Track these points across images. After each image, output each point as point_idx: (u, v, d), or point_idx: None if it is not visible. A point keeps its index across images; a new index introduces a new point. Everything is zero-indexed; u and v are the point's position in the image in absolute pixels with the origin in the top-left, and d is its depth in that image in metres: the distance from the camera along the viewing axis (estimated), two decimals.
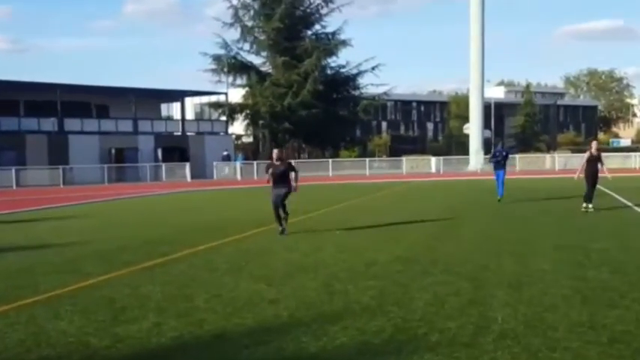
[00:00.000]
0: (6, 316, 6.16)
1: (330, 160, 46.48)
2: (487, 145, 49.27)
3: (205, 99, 58.45)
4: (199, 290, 7.11)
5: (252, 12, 56.50)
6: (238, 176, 41.44)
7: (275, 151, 12.09)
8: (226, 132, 50.59)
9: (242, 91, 57.56)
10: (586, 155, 15.38)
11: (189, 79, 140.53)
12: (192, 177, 40.47)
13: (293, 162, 13.53)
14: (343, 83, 58.71)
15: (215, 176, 42.01)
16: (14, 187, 34.97)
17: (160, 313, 6.16)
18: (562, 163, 43.55)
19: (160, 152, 44.28)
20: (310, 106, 53.11)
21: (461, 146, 61.38)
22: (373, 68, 57.27)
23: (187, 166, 41.29)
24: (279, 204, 11.68)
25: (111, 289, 7.31)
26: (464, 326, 5.43)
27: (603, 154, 15.96)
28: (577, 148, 60.16)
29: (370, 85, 58.42)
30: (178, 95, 49.96)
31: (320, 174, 42.53)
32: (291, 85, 53.67)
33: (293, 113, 53.49)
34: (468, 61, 46.64)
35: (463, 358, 4.67)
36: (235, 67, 56.14)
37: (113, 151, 42.23)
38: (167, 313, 6.13)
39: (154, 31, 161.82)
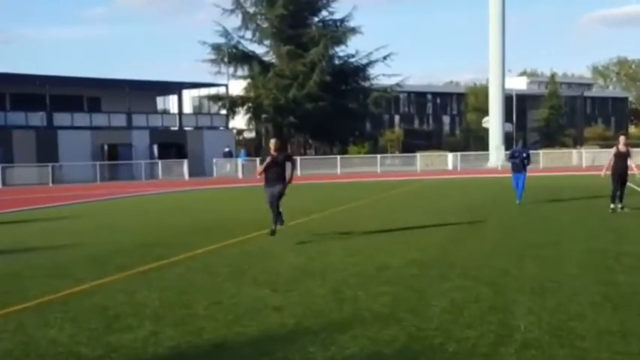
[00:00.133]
0: None
1: (339, 156, 46.46)
2: (508, 140, 49.16)
3: (204, 91, 58.59)
4: (198, 296, 7.12)
5: None
6: (240, 174, 41.52)
7: (273, 141, 11.66)
8: (227, 127, 50.67)
9: (243, 83, 57.64)
10: (613, 151, 15.31)
11: (186, 70, 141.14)
12: (191, 175, 40.57)
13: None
14: (352, 74, 58.69)
15: (215, 174, 42.09)
16: (1, 186, 35.18)
17: (157, 321, 6.17)
18: (590, 159, 43.36)
19: (155, 148, 44.39)
20: (317, 99, 53.12)
21: (480, 141, 61.18)
22: (385, 58, 57.30)
23: (185, 163, 41.39)
24: (275, 203, 11.33)
25: (104, 295, 7.34)
26: (484, 335, 5.42)
27: (634, 150, 15.87)
28: (606, 143, 59.87)
29: (381, 76, 58.41)
30: (175, 87, 50.06)
31: (327, 171, 42.53)
32: (296, 76, 53.69)
33: (298, 106, 53.52)
34: (487, 50, 46.52)
35: None
36: (236, 56, 56.23)
37: (106, 147, 42.39)
38: (164, 321, 6.14)
39: (150, 19, 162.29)
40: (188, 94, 60.29)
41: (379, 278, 7.86)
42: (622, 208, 14.88)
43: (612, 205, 14.94)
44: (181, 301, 6.92)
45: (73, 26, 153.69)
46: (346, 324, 5.87)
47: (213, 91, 55.59)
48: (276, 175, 11.30)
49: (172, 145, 45.20)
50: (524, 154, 17.38)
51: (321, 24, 57.80)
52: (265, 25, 56.61)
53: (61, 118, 41.77)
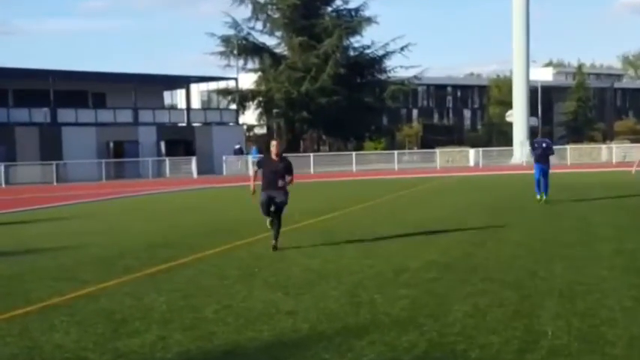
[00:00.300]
0: None
1: (354, 153, 46.44)
2: (533, 135, 48.80)
3: (213, 85, 58.69)
4: (208, 300, 7.15)
5: None
6: (251, 172, 41.61)
7: (274, 144, 10.47)
8: (237, 122, 50.81)
9: (254, 76, 57.74)
10: None
11: (194, 63, 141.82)
12: (199, 173, 40.73)
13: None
14: (368, 66, 58.61)
15: (225, 172, 42.23)
16: (3, 185, 35.53)
17: (165, 325, 6.21)
18: (620, 155, 43.02)
19: (162, 145, 44.62)
20: (331, 93, 53.10)
21: (503, 136, 60.92)
22: (402, 49, 57.18)
23: (193, 160, 41.57)
24: (274, 214, 10.31)
25: (110, 298, 7.38)
26: (508, 341, 5.39)
27: None
28: (637, 137, 59.44)
29: (399, 68, 58.29)
30: (183, 81, 50.28)
31: (342, 169, 42.52)
32: (309, 69, 53.69)
33: (311, 100, 53.53)
34: (511, 39, 46.25)
35: None
36: (246, 49, 56.33)
37: (111, 144, 42.67)
38: (172, 326, 6.17)
39: (155, 11, 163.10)
40: (196, 89, 60.48)
41: (397, 281, 7.84)
42: None
43: None
44: (190, 305, 6.95)
45: (75, 18, 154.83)
46: (363, 329, 5.86)
47: (222, 85, 55.73)
48: (276, 181, 10.22)
49: (180, 141, 45.40)
50: (544, 144, 17.33)
51: (334, 14, 57.75)
52: (276, 15, 56.65)
53: (65, 115, 42.07)
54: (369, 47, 58.20)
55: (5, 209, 20.65)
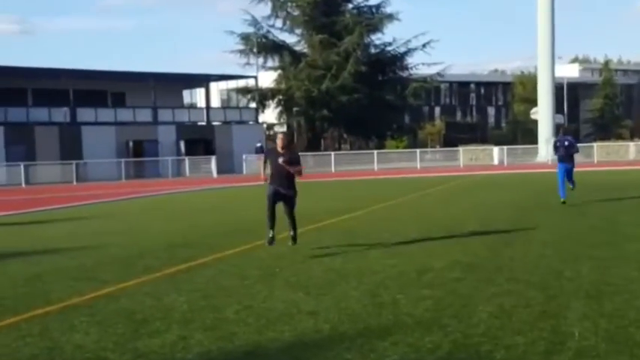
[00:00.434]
0: (17, 328, 6.34)
1: (375, 151, 46.39)
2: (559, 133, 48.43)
3: (232, 84, 59.01)
4: (229, 300, 7.18)
5: None
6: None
7: (280, 136, 10.21)
8: (256, 121, 50.97)
9: (274, 75, 57.91)
10: None
11: (214, 61, 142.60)
12: (219, 172, 40.94)
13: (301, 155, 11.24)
14: (389, 63, 58.52)
15: (245, 171, 42.38)
16: (23, 185, 35.96)
17: (185, 325, 6.24)
18: None
19: (182, 144, 44.93)
20: (351, 91, 53.08)
21: (528, 134, 60.48)
22: (424, 45, 57.05)
23: (213, 159, 41.78)
24: (287, 213, 10.11)
25: (130, 298, 7.44)
26: (534, 342, 5.35)
27: None
28: None
29: (421, 65, 58.19)
30: (202, 80, 50.54)
31: (364, 167, 42.47)
32: (329, 67, 53.72)
33: (332, 98, 53.55)
34: (536, 35, 45.86)
35: None
36: (266, 47, 56.51)
37: (131, 143, 43.04)
38: (193, 326, 6.21)
39: (174, 9, 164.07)
40: (216, 87, 60.83)
41: (420, 281, 7.81)
42: None
43: None
44: (211, 305, 6.98)
45: (90, 17, 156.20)
46: (385, 330, 5.85)
47: (241, 83, 55.97)
48: (286, 173, 9.92)
49: (200, 140, 45.67)
50: (567, 142, 16.59)
51: (355, 11, 57.72)
52: (296, 12, 56.76)
53: (85, 114, 42.51)
54: (390, 44, 58.16)
55: (25, 209, 20.90)
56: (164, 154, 42.87)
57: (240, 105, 57.05)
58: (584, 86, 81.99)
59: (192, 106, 58.12)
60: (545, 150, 44.42)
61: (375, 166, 42.82)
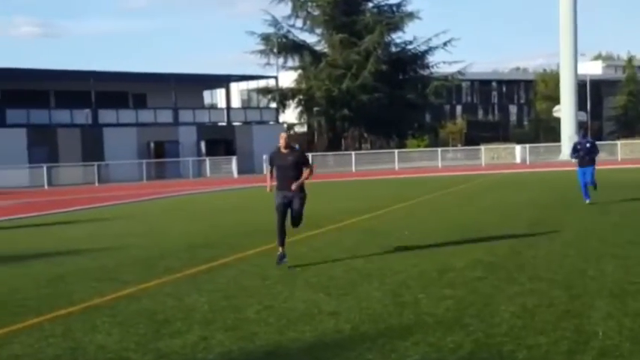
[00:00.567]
0: (40, 328, 6.41)
1: (397, 150, 46.28)
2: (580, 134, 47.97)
3: (253, 84, 59.18)
4: (250, 300, 7.20)
5: None
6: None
7: (282, 135, 9.55)
8: (277, 121, 51.12)
9: (294, 74, 58.01)
10: None
11: (234, 62, 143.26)
12: (240, 172, 41.11)
13: (309, 155, 10.67)
14: (410, 62, 58.34)
15: (265, 171, 42.44)
16: (46, 187, 36.36)
17: (207, 325, 6.27)
18: None
19: (203, 145, 45.15)
20: (372, 90, 52.99)
21: (550, 132, 60.03)
22: (445, 44, 56.79)
23: (234, 160, 41.96)
24: (294, 217, 9.40)
25: (152, 299, 7.49)
26: (557, 342, 5.31)
27: None
28: None
29: (442, 64, 57.95)
30: (223, 80, 50.78)
31: (385, 167, 42.40)
32: (349, 66, 53.67)
33: (352, 98, 53.50)
34: (558, 32, 45.46)
35: None
36: (286, 46, 56.61)
37: (152, 144, 43.35)
38: (214, 326, 6.24)
39: (194, 10, 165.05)
40: (236, 88, 61.05)
41: (441, 281, 7.79)
42: None
43: None
44: (232, 305, 7.01)
45: (115, 19, 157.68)
46: (406, 329, 5.84)
47: (262, 83, 56.11)
48: (290, 176, 9.25)
49: (220, 141, 45.87)
50: (588, 145, 16.03)
51: (375, 10, 57.63)
52: (317, 12, 56.79)
53: (106, 115, 42.89)
54: (411, 43, 57.96)
55: (48, 210, 21.14)
56: (185, 155, 43.13)
57: (261, 105, 57.21)
58: (608, 83, 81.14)
59: (213, 107, 58.40)
60: (568, 148, 44.03)
61: (396, 166, 42.72)
